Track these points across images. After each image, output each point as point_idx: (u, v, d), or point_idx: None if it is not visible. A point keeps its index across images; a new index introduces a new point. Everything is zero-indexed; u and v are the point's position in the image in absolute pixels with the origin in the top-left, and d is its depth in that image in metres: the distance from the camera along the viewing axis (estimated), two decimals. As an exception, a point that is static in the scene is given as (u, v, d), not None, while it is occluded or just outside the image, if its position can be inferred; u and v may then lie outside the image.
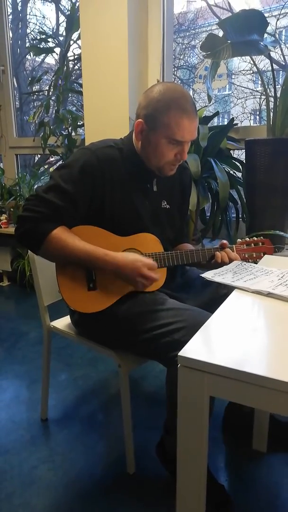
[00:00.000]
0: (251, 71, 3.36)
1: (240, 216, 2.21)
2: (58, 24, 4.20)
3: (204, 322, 0.85)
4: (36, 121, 2.99)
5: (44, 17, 4.44)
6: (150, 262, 1.17)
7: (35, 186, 3.08)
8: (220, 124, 2.41)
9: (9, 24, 3.25)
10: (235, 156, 2.29)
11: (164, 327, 1.09)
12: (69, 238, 1.14)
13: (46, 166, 3.71)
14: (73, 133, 2.85)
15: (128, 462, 1.32)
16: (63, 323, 1.47)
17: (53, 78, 2.91)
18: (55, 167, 3.72)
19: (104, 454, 1.41)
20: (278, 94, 1.93)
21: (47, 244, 1.14)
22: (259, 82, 3.26)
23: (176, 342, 1.05)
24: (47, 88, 3.05)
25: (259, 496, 1.23)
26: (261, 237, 1.36)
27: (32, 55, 3.80)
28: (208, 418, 0.74)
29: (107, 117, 2.44)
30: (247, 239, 1.36)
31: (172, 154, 1.18)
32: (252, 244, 1.35)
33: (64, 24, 2.91)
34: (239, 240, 1.35)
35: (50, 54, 3.00)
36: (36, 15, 4.31)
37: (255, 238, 1.36)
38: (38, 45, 2.99)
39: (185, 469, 0.77)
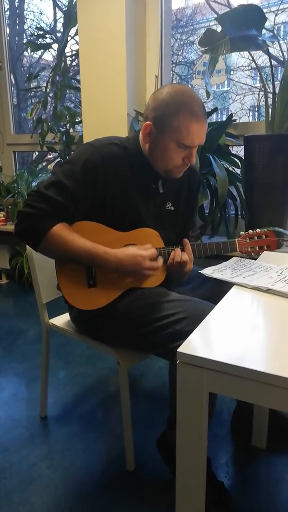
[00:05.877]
0: (250, 67, 3.35)
1: (239, 212, 2.21)
2: (55, 20, 4.19)
3: (206, 312, 0.84)
4: (34, 118, 2.98)
5: (41, 13, 4.43)
6: (150, 253, 1.17)
7: (34, 183, 3.07)
8: (219, 120, 2.39)
9: (6, 20, 3.23)
10: (234, 152, 2.28)
11: (166, 319, 1.09)
12: (69, 235, 1.13)
13: (44, 163, 3.70)
14: (71, 130, 2.84)
15: (128, 460, 1.32)
16: (62, 320, 1.46)
17: (51, 75, 2.90)
18: (53, 164, 3.72)
19: (104, 452, 1.41)
20: (277, 90, 1.92)
21: (47, 241, 1.13)
22: (258, 78, 3.25)
23: (178, 333, 1.04)
24: (44, 84, 3.04)
25: (259, 493, 1.23)
26: (265, 230, 1.32)
27: (29, 51, 3.79)
28: (209, 415, 0.74)
29: (105, 113, 2.43)
30: (250, 231, 1.31)
31: (180, 158, 1.17)
32: (256, 237, 1.31)
33: (62, 20, 2.90)
34: (242, 232, 1.31)
35: (47, 50, 2.98)
36: (33, 11, 4.31)
37: (258, 231, 1.31)
38: (36, 41, 2.98)
39: (184, 466, 0.77)
